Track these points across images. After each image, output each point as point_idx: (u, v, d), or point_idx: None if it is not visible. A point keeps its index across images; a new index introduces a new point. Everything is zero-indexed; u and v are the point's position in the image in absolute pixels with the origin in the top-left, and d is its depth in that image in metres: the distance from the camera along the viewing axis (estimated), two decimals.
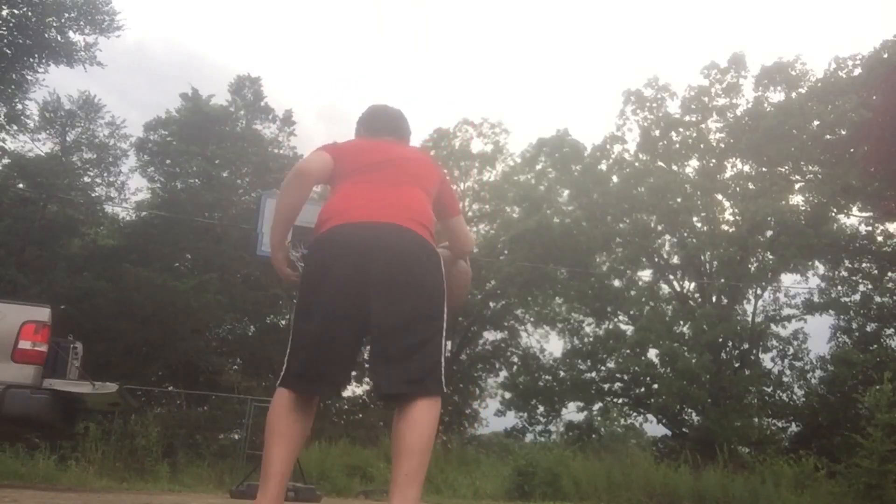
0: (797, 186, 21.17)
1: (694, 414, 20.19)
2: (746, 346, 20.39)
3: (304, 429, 2.32)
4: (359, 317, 2.24)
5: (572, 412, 22.23)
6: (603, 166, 22.76)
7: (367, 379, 27.22)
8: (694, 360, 18.64)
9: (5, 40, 15.65)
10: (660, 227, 22.00)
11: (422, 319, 2.31)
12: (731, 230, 20.84)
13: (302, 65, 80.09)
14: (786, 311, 21.19)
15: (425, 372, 2.24)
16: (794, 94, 21.02)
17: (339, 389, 2.45)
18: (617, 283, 22.22)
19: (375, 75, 72.74)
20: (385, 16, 74.98)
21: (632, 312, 21.45)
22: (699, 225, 21.50)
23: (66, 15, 15.79)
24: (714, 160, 21.83)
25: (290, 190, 2.47)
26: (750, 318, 20.88)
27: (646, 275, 22.50)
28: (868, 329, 19.99)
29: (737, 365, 20.31)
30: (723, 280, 19.73)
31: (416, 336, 2.27)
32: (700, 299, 21.29)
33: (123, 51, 54.80)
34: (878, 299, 19.74)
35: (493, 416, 25.12)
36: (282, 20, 78.86)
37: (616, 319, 22.24)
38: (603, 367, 21.65)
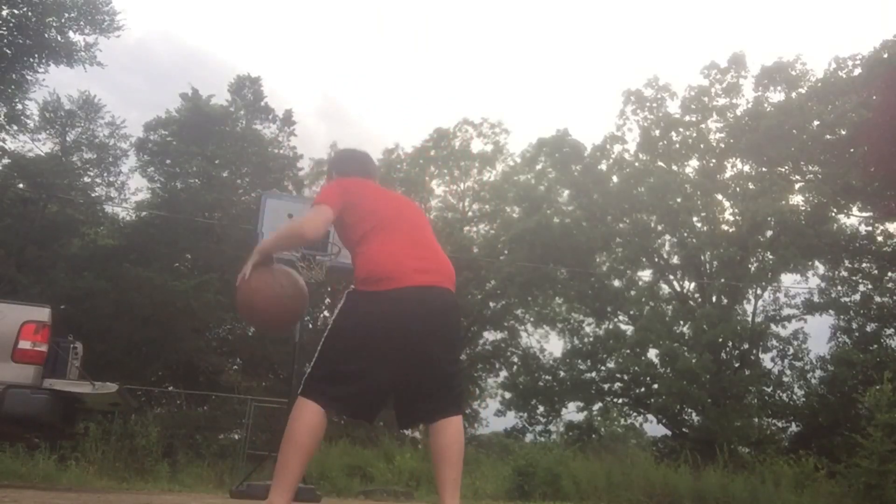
0: (797, 186, 21.17)
1: (694, 414, 20.19)
2: (746, 346, 20.39)
3: (321, 437, 2.60)
4: (408, 368, 2.60)
5: (572, 412, 22.26)
6: (603, 166, 22.77)
7: None
8: (694, 360, 18.64)
9: (5, 40, 15.66)
10: (660, 227, 22.00)
11: (459, 364, 2.80)
12: (731, 230, 20.84)
13: (303, 64, 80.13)
14: (786, 311, 21.22)
15: (459, 401, 2.70)
16: (794, 94, 21.03)
17: (373, 419, 2.73)
18: (617, 283, 22.22)
19: (375, 75, 72.77)
20: (385, 16, 74.96)
21: (632, 312, 21.45)
22: (699, 225, 21.50)
23: (66, 15, 15.79)
24: (714, 160, 21.83)
25: (287, 244, 2.92)
26: (750, 318, 20.88)
27: (646, 275, 22.53)
28: (868, 329, 19.98)
29: (737, 365, 20.31)
30: (723, 280, 19.73)
31: (458, 376, 2.73)
32: (700, 299, 21.29)
33: (124, 50, 54.83)
34: (878, 299, 19.74)
35: (493, 416, 25.16)
36: (283, 20, 78.90)
37: (616, 319, 22.25)
38: (603, 367, 21.65)
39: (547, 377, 22.82)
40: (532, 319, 25.66)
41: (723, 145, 21.75)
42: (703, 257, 20.93)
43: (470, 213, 29.61)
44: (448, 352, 2.65)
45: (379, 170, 3.14)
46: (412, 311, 2.55)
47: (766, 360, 20.78)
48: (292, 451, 2.50)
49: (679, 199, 21.00)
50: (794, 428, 20.29)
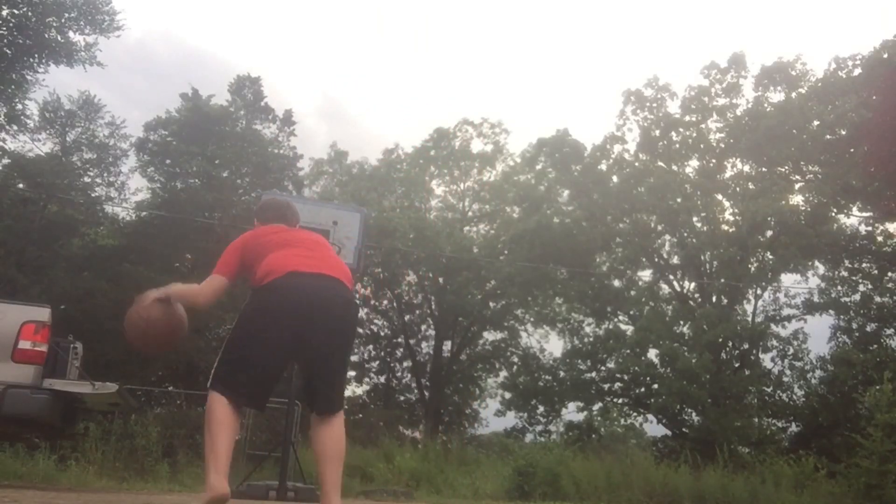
0: (797, 186, 21.16)
1: (694, 414, 20.18)
2: (746, 346, 20.38)
3: (238, 422, 2.91)
4: (296, 350, 2.88)
5: (572, 412, 22.26)
6: (603, 166, 22.75)
7: (366, 379, 27.38)
8: (694, 360, 18.64)
9: (5, 40, 15.65)
10: (660, 227, 21.99)
11: (346, 356, 3.03)
12: (731, 230, 20.83)
13: (304, 64, 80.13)
14: (786, 311, 21.21)
15: (341, 400, 2.97)
16: (794, 94, 21.02)
17: (263, 407, 3.08)
18: (617, 283, 22.23)
19: (376, 75, 72.77)
20: (385, 16, 74.96)
21: (632, 312, 21.45)
22: (699, 225, 21.49)
23: (66, 15, 15.78)
24: (714, 160, 21.82)
25: (184, 302, 3.20)
26: (750, 318, 20.88)
27: (646, 275, 22.53)
28: (868, 329, 19.96)
29: (737, 365, 20.31)
30: (723, 280, 19.72)
31: (343, 368, 3.02)
32: (700, 299, 21.29)
33: (125, 50, 54.84)
34: (878, 299, 19.73)
35: (493, 416, 25.18)
36: (284, 19, 78.89)
37: (616, 319, 22.24)
38: (603, 367, 21.64)
39: (547, 377, 22.82)
40: (532, 319, 25.68)
41: (723, 145, 21.74)
42: (703, 257, 20.93)
43: (470, 213, 29.62)
44: (332, 341, 2.88)
45: (297, 215, 3.59)
46: (295, 292, 2.86)
47: (766, 360, 20.80)
48: (211, 425, 2.83)
49: (679, 199, 21.00)
50: (794, 428, 20.28)
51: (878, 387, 10.70)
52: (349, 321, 3.01)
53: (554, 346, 26.74)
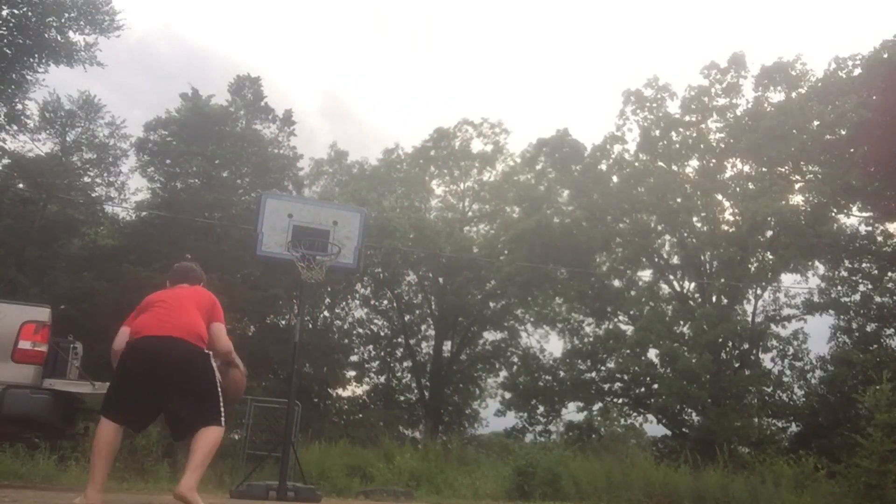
0: (797, 186, 21.15)
1: (694, 414, 20.19)
2: (746, 346, 20.38)
3: (118, 443, 3.95)
4: (155, 395, 3.90)
5: (572, 412, 22.26)
6: (603, 166, 22.74)
7: (366, 379, 27.38)
8: (694, 360, 18.64)
9: (5, 40, 15.65)
10: (660, 227, 21.99)
11: (200, 395, 3.93)
12: (731, 230, 20.83)
13: (306, 63, 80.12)
14: (786, 311, 21.24)
15: (206, 418, 3.89)
16: (794, 94, 21.01)
17: (142, 429, 4.75)
18: (617, 283, 22.22)
19: (378, 74, 72.79)
20: (386, 16, 74.97)
21: (632, 312, 21.44)
22: (699, 225, 21.49)
23: (66, 15, 15.79)
24: (714, 160, 21.81)
25: (114, 356, 4.24)
26: (750, 318, 20.88)
27: (646, 275, 22.52)
28: (868, 329, 19.96)
29: (737, 365, 20.31)
30: (723, 280, 19.72)
31: (198, 405, 3.90)
32: (700, 299, 21.28)
33: (126, 49, 54.84)
34: (878, 299, 19.72)
35: (493, 416, 25.17)
36: (286, 18, 78.88)
37: (616, 319, 22.24)
38: (603, 367, 21.64)
39: (547, 377, 22.81)
40: (532, 319, 25.68)
41: (723, 145, 21.73)
42: (703, 257, 20.93)
43: (470, 213, 29.62)
44: (178, 388, 3.87)
45: (201, 276, 4.62)
46: (146, 355, 3.91)
47: (766, 360, 20.82)
48: (95, 456, 3.86)
49: (679, 199, 20.99)
50: (794, 428, 20.28)
51: (877, 387, 10.69)
52: (191, 369, 3.94)
53: (554, 346, 26.76)
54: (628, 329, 21.29)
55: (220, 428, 3.92)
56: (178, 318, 4.05)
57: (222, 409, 4.00)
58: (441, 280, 26.69)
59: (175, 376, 3.87)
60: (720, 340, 19.54)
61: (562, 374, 22.34)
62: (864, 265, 20.84)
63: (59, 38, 15.93)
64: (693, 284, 21.74)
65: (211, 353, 4.14)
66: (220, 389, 4.05)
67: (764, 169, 20.89)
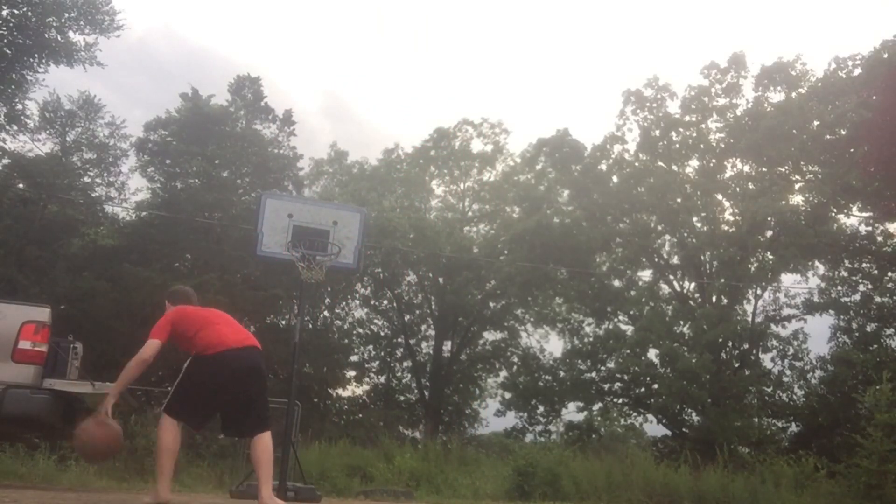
0: (797, 186, 21.15)
1: (694, 414, 20.19)
2: (746, 346, 20.38)
3: (179, 441, 4.45)
4: (235, 398, 4.45)
5: (572, 412, 22.25)
6: (603, 166, 22.75)
7: (366, 379, 27.37)
8: (694, 360, 18.63)
9: (5, 40, 15.65)
10: (660, 227, 21.99)
11: (267, 398, 4.61)
12: (731, 230, 20.83)
13: (307, 63, 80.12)
14: (786, 311, 21.24)
15: (266, 423, 4.55)
16: (794, 94, 21.00)
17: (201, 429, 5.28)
18: (617, 283, 22.22)
19: (377, 75, 72.78)
20: (386, 15, 74.98)
21: (632, 312, 21.44)
22: (699, 225, 21.49)
23: (66, 15, 15.79)
24: (714, 160, 21.81)
25: (135, 373, 4.48)
26: (750, 318, 20.88)
27: (646, 275, 22.51)
28: (868, 329, 19.96)
29: (737, 365, 20.31)
30: (723, 280, 19.72)
31: (266, 403, 4.61)
32: (700, 299, 21.28)
33: (127, 48, 54.87)
34: (878, 299, 19.72)
35: (493, 416, 25.16)
36: (287, 17, 78.89)
37: (616, 319, 22.23)
38: (603, 367, 21.64)
39: (547, 377, 22.81)
40: (532, 319, 25.66)
41: (723, 145, 21.73)
42: (703, 257, 20.92)
43: (470, 213, 29.61)
44: (261, 391, 4.52)
45: (196, 299, 5.11)
46: (236, 363, 4.40)
47: (766, 360, 20.83)
48: (164, 456, 4.32)
49: (679, 199, 20.99)
50: (794, 428, 20.29)
51: (877, 387, 10.69)
52: (265, 375, 4.59)
53: (554, 346, 26.78)
54: (628, 329, 21.30)
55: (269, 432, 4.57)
56: (245, 330, 4.78)
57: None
58: (441, 280, 26.68)
59: (260, 386, 4.53)
60: (720, 340, 19.54)
61: (562, 374, 22.34)
62: (864, 265, 20.84)
63: (59, 38, 15.92)
64: (693, 284, 21.74)
65: None
66: None
67: (764, 169, 20.88)
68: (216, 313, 4.77)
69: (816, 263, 20.69)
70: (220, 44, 77.86)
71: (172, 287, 5.32)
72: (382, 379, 27.74)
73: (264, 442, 4.40)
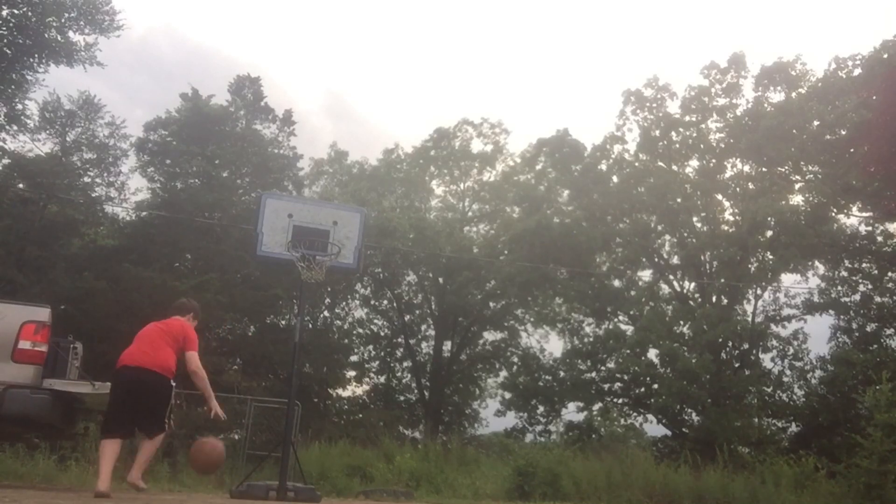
0: (797, 186, 21.16)
1: (694, 414, 20.17)
2: (746, 346, 20.37)
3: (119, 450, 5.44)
4: (134, 408, 5.46)
5: (572, 412, 22.24)
6: (603, 166, 22.75)
7: (366, 379, 27.38)
8: (694, 360, 18.63)
9: (5, 40, 15.65)
10: (660, 227, 21.98)
11: (155, 407, 5.52)
12: (731, 230, 20.82)
13: (309, 63, 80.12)
14: (786, 311, 21.22)
15: (161, 422, 5.56)
16: (794, 94, 21.00)
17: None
18: (617, 283, 22.21)
19: (378, 75, 72.76)
20: (387, 15, 74.98)
21: (632, 312, 21.44)
22: (699, 225, 21.48)
23: (66, 15, 15.78)
24: (714, 160, 21.81)
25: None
26: (750, 318, 20.87)
27: (646, 275, 22.51)
28: (868, 329, 19.96)
29: (737, 365, 20.30)
30: (723, 280, 19.72)
31: (156, 410, 5.52)
32: (700, 299, 21.28)
33: (128, 48, 54.86)
34: (878, 299, 19.72)
35: (493, 416, 25.17)
36: (289, 16, 78.88)
37: (616, 319, 22.22)
38: (603, 367, 21.63)
39: (547, 377, 22.80)
40: (532, 319, 25.66)
41: (723, 145, 21.72)
42: (703, 257, 20.92)
43: (470, 213, 29.61)
44: (147, 402, 5.46)
45: (183, 307, 6.33)
46: (126, 379, 5.44)
47: (766, 360, 20.81)
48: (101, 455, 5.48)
49: (679, 199, 20.99)
50: (794, 428, 20.27)
51: (877, 387, 10.69)
52: (153, 390, 5.46)
53: (554, 346, 26.75)
54: (628, 329, 21.30)
55: (162, 434, 5.63)
56: (150, 349, 5.63)
57: (168, 415, 5.60)
58: (441, 280, 26.67)
59: (146, 398, 5.48)
60: (720, 340, 19.53)
61: (562, 374, 22.33)
62: (864, 265, 20.84)
63: (59, 38, 15.91)
64: (693, 284, 21.74)
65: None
66: (169, 405, 5.62)
67: (764, 169, 20.88)
68: (144, 333, 5.76)
69: (816, 263, 20.70)
70: (224, 43, 77.92)
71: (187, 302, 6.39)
72: (382, 379, 27.74)
73: (155, 441, 5.59)
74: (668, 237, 22.25)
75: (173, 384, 5.62)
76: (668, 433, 21.03)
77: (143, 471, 5.63)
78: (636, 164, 22.28)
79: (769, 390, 20.09)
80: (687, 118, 22.13)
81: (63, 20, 15.81)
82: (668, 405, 19.30)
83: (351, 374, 26.02)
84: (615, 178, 22.35)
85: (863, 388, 13.80)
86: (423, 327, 28.34)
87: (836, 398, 18.47)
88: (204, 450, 5.86)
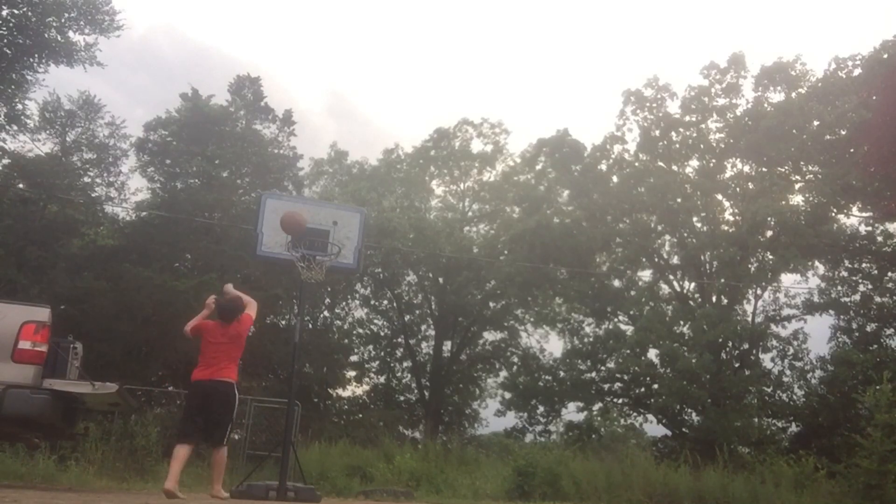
0: (797, 186, 21.15)
1: (694, 414, 20.17)
2: (746, 346, 20.37)
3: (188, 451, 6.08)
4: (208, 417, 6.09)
5: (572, 412, 22.24)
6: (603, 166, 22.75)
7: (366, 379, 27.40)
8: (694, 360, 18.63)
9: (5, 40, 15.64)
10: (660, 227, 21.98)
11: (224, 419, 6.17)
12: (731, 230, 20.82)
13: (311, 62, 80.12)
14: (786, 312, 21.21)
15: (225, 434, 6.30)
16: (794, 94, 21.00)
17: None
18: (617, 283, 22.21)
19: (378, 76, 72.77)
20: (386, 15, 74.99)
21: (632, 312, 21.43)
22: (699, 225, 21.48)
23: (66, 15, 15.77)
24: (714, 160, 21.80)
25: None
26: (750, 318, 20.87)
27: (646, 275, 22.50)
28: (868, 329, 19.95)
29: (737, 365, 20.29)
30: (723, 280, 19.71)
31: (224, 422, 6.17)
32: (700, 299, 21.27)
33: (128, 47, 54.87)
34: (878, 299, 19.72)
35: (493, 416, 25.17)
36: (291, 16, 78.88)
37: (616, 319, 22.22)
38: (603, 367, 21.63)
39: (547, 377, 22.80)
40: (532, 319, 25.66)
41: (723, 145, 21.72)
42: (703, 257, 20.91)
43: (470, 213, 29.61)
44: (218, 412, 6.06)
45: (233, 311, 6.56)
46: (202, 390, 6.04)
47: (766, 360, 20.80)
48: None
49: (679, 199, 20.98)
50: (794, 428, 20.27)
51: (877, 387, 10.69)
52: (223, 399, 6.06)
53: (554, 346, 26.75)
54: (628, 329, 21.28)
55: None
56: (220, 361, 6.28)
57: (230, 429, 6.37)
58: (441, 280, 26.68)
59: (218, 409, 6.15)
60: (720, 340, 19.53)
61: (562, 374, 22.33)
62: (864, 265, 20.84)
63: (59, 38, 15.90)
64: (693, 284, 21.74)
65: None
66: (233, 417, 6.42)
67: (764, 169, 20.87)
68: (214, 344, 6.36)
69: (816, 263, 20.69)
70: (224, 43, 77.93)
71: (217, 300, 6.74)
72: (382, 379, 27.75)
73: (223, 453, 6.23)
74: (668, 237, 22.25)
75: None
76: (668, 433, 21.03)
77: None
78: (636, 164, 22.28)
79: (769, 390, 20.09)
80: (687, 118, 22.13)
81: (63, 20, 15.80)
82: (668, 405, 19.30)
83: (351, 374, 26.05)
84: (615, 178, 22.34)
85: (863, 389, 13.80)
86: (423, 327, 28.36)
87: (836, 398, 18.46)
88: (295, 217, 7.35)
